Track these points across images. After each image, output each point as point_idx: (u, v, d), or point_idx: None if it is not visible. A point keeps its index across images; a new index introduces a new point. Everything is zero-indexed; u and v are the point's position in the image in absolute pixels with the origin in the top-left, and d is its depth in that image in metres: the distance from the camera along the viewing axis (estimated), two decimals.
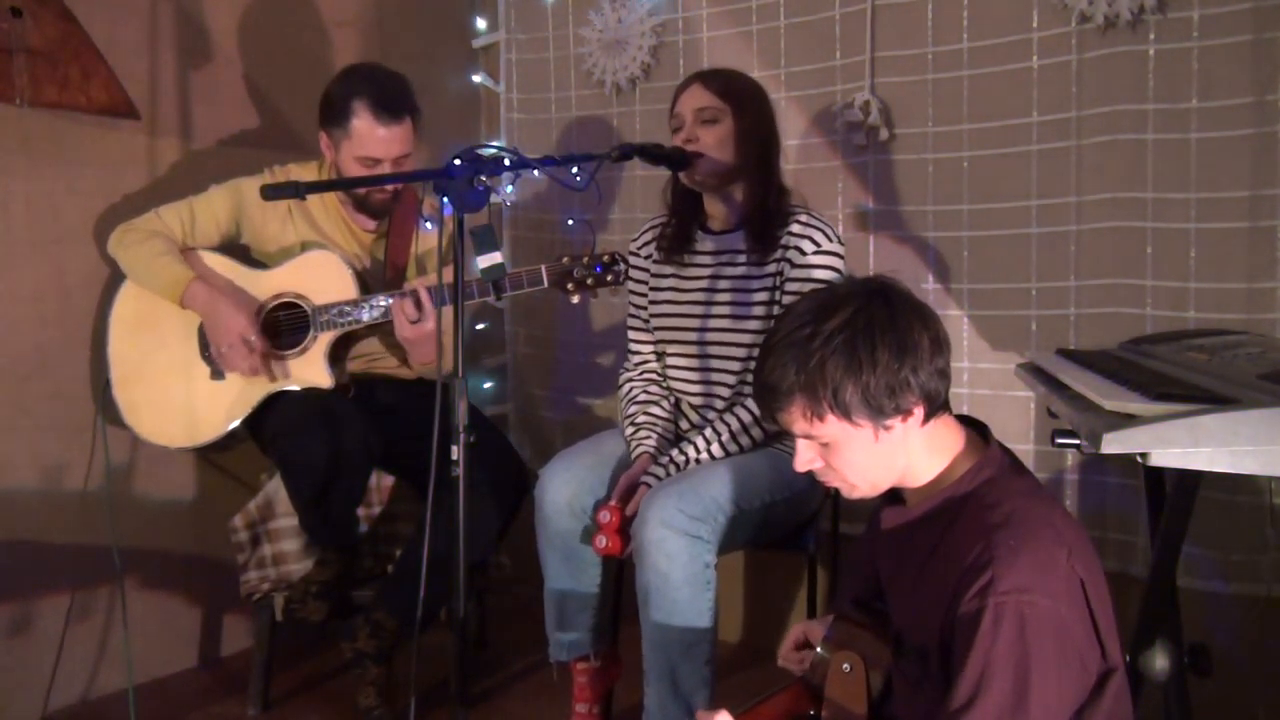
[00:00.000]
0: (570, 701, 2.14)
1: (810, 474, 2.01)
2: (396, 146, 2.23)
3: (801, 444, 1.35)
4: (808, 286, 1.94)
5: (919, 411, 1.29)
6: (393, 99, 2.23)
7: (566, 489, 2.03)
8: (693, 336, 2.11)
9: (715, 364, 2.08)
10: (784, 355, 1.30)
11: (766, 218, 2.02)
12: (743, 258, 2.06)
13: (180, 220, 2.28)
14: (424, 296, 2.15)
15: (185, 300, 2.23)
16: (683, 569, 1.80)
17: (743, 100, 2.03)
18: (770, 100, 2.11)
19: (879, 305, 1.29)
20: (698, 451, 2.00)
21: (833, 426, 1.29)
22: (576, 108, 2.90)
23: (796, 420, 1.31)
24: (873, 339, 1.26)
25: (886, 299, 1.30)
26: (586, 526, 2.03)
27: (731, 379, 2.06)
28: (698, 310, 2.10)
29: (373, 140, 2.21)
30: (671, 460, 1.99)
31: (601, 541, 1.93)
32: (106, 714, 2.39)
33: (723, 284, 2.08)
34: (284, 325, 2.28)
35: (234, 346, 2.18)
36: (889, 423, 1.28)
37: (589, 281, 2.03)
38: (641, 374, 2.22)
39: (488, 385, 3.13)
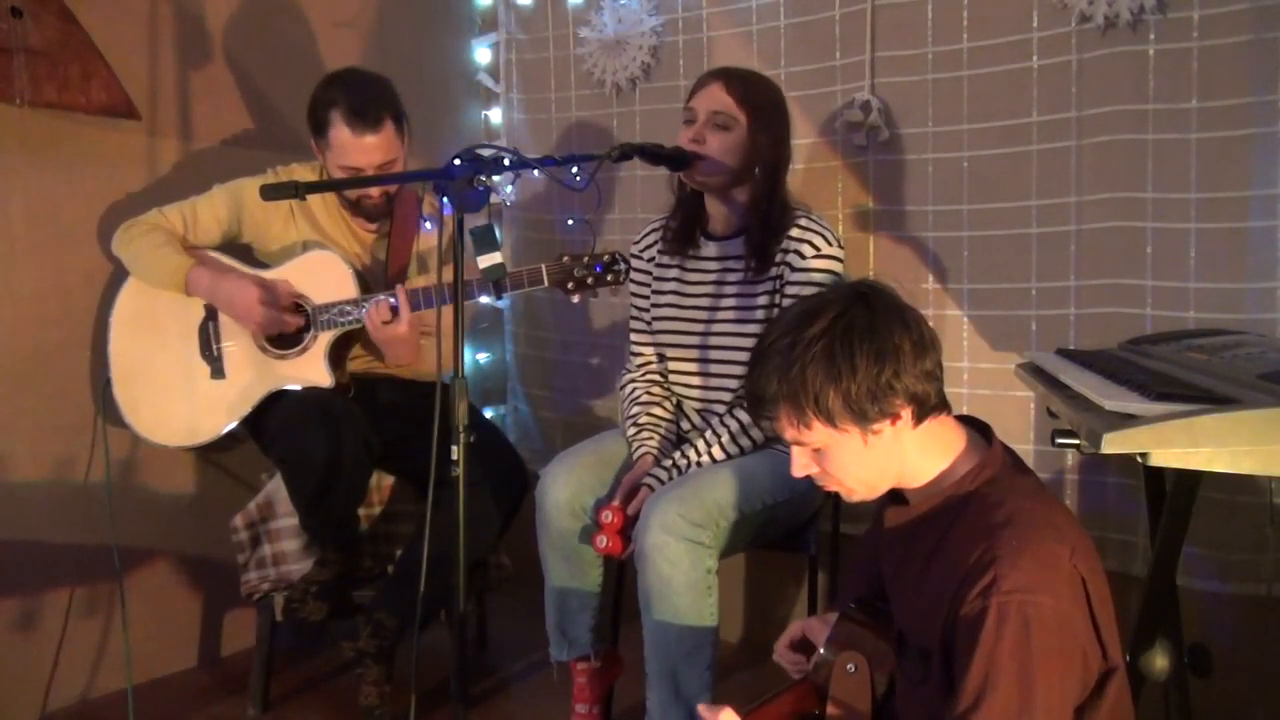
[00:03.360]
0: (570, 701, 2.14)
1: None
2: (377, 154, 2.21)
3: (795, 450, 1.35)
4: (807, 291, 1.94)
5: (906, 414, 1.29)
6: (369, 107, 2.19)
7: (567, 489, 2.03)
8: (695, 341, 2.11)
9: (716, 368, 2.08)
10: (767, 364, 1.31)
11: (766, 231, 2.01)
12: (743, 264, 2.06)
13: (183, 218, 2.29)
14: (402, 300, 2.13)
15: (189, 287, 2.23)
16: (685, 574, 1.80)
17: (760, 111, 2.00)
18: (790, 117, 2.08)
19: (859, 310, 1.29)
20: (698, 455, 2.00)
21: (820, 433, 1.30)
22: (576, 108, 2.90)
23: (785, 428, 1.32)
24: (851, 345, 1.26)
25: (868, 303, 1.30)
26: (586, 526, 2.03)
27: (733, 383, 2.06)
28: (700, 315, 2.10)
29: (352, 150, 2.20)
30: (674, 464, 2.00)
31: (602, 541, 1.93)
32: (106, 714, 2.39)
33: (724, 289, 2.08)
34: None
35: (260, 316, 2.18)
36: (876, 427, 1.28)
37: (589, 281, 2.03)
38: (644, 375, 2.21)
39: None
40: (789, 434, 1.32)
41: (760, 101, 2.01)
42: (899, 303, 1.32)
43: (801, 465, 1.35)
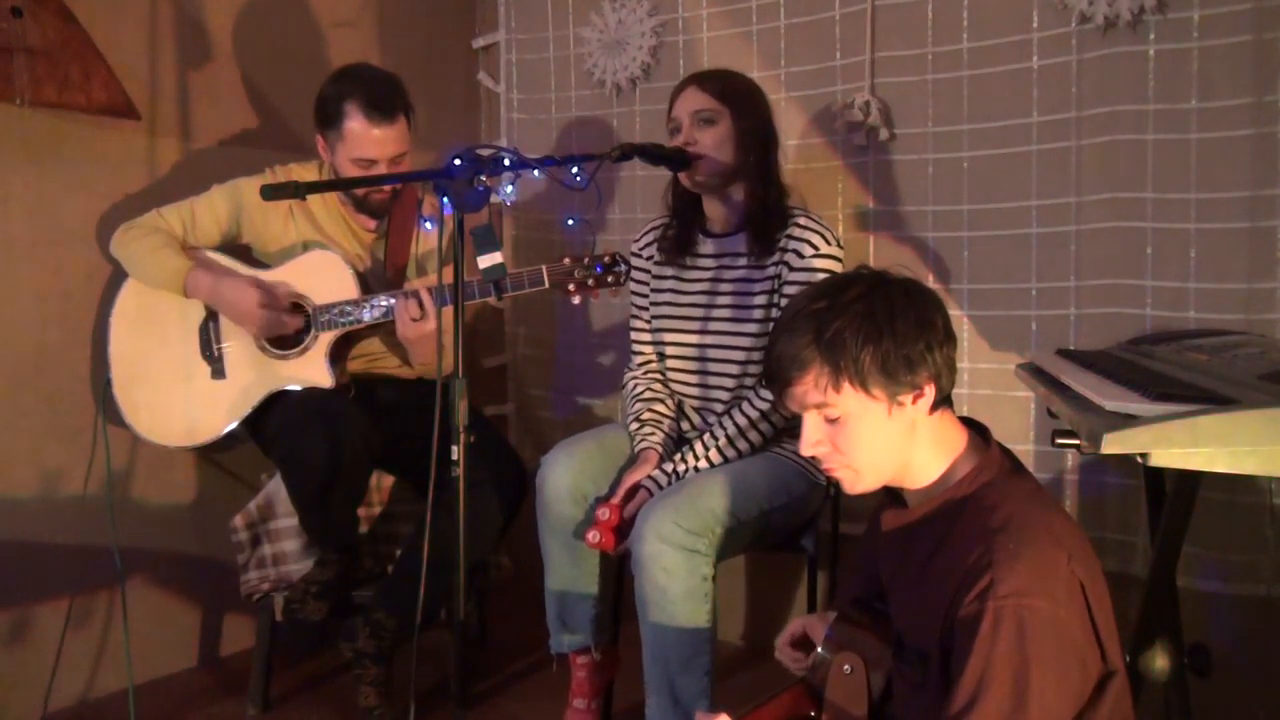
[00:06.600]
0: (568, 696, 2.14)
1: (807, 478, 2.02)
2: (391, 146, 2.23)
3: (810, 423, 1.32)
4: None
5: (929, 392, 1.29)
6: (385, 99, 2.21)
7: (568, 476, 2.04)
8: (692, 339, 2.11)
9: (714, 366, 2.08)
10: (800, 325, 1.29)
11: (767, 217, 2.02)
12: (743, 260, 2.06)
13: (181, 219, 2.29)
14: (425, 297, 2.15)
15: (188, 289, 2.23)
16: (681, 583, 1.80)
17: (740, 100, 2.03)
18: (767, 99, 2.11)
19: (893, 285, 1.32)
20: (696, 459, 2.00)
21: (848, 398, 1.27)
22: (576, 108, 2.90)
23: (810, 392, 1.29)
24: (891, 309, 1.28)
25: (899, 282, 1.32)
26: (586, 517, 2.03)
27: (731, 381, 2.06)
28: (698, 313, 2.11)
29: (367, 141, 2.21)
30: (674, 469, 2.00)
31: (595, 537, 1.93)
32: (106, 714, 2.39)
33: (723, 286, 2.08)
34: None
35: (260, 319, 2.19)
36: (902, 398, 1.28)
37: (590, 282, 2.03)
38: (645, 372, 2.22)
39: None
40: (812, 398, 1.29)
41: (737, 92, 2.04)
42: (927, 288, 1.35)
43: (813, 441, 1.31)
